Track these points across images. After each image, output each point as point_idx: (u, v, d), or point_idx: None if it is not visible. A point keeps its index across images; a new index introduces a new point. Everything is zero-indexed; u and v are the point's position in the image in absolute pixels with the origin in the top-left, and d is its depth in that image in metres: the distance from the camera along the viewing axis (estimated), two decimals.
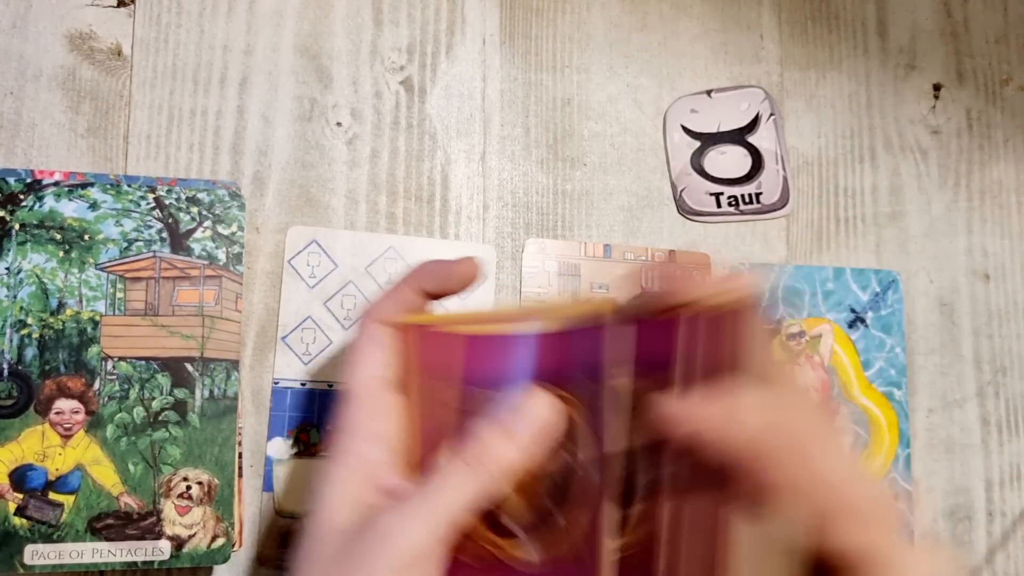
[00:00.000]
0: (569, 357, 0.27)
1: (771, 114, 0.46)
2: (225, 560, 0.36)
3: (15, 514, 0.35)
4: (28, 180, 0.37)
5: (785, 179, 0.46)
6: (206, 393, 0.37)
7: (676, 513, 0.23)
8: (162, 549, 0.36)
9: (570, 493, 0.25)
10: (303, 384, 0.39)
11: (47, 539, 0.35)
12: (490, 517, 0.27)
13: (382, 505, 0.26)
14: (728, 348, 0.23)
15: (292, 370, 0.39)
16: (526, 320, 0.28)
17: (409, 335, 0.29)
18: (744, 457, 0.22)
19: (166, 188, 0.39)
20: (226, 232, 0.39)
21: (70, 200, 0.38)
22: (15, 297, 0.36)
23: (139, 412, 0.37)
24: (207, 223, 0.39)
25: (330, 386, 0.40)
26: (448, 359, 0.29)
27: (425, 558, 0.25)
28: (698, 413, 0.23)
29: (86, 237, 0.37)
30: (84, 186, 0.38)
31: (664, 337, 0.24)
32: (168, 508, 0.36)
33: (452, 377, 0.29)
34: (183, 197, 0.39)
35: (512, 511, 0.27)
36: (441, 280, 0.31)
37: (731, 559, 0.22)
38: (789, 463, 0.22)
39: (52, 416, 0.36)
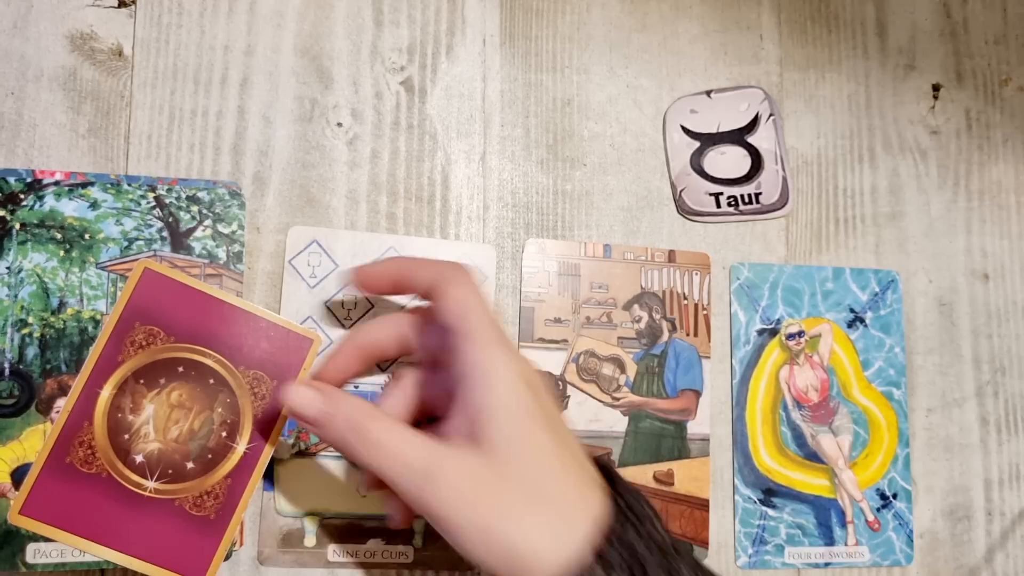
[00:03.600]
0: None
1: (771, 114, 0.46)
2: (225, 560, 0.36)
3: None
4: (29, 180, 0.38)
5: (785, 179, 0.46)
6: None
7: None
8: None
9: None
10: None
11: (49, 538, 0.35)
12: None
13: None
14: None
15: None
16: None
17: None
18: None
19: (166, 187, 0.39)
20: (226, 231, 0.39)
21: (70, 199, 0.38)
22: (16, 296, 0.37)
23: None
24: (207, 222, 0.39)
25: None
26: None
27: None
28: None
29: (87, 236, 0.37)
30: (84, 185, 0.38)
31: None
32: None
33: None
34: (183, 196, 0.39)
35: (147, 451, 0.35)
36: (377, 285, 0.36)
37: None
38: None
39: (54, 415, 0.36)
